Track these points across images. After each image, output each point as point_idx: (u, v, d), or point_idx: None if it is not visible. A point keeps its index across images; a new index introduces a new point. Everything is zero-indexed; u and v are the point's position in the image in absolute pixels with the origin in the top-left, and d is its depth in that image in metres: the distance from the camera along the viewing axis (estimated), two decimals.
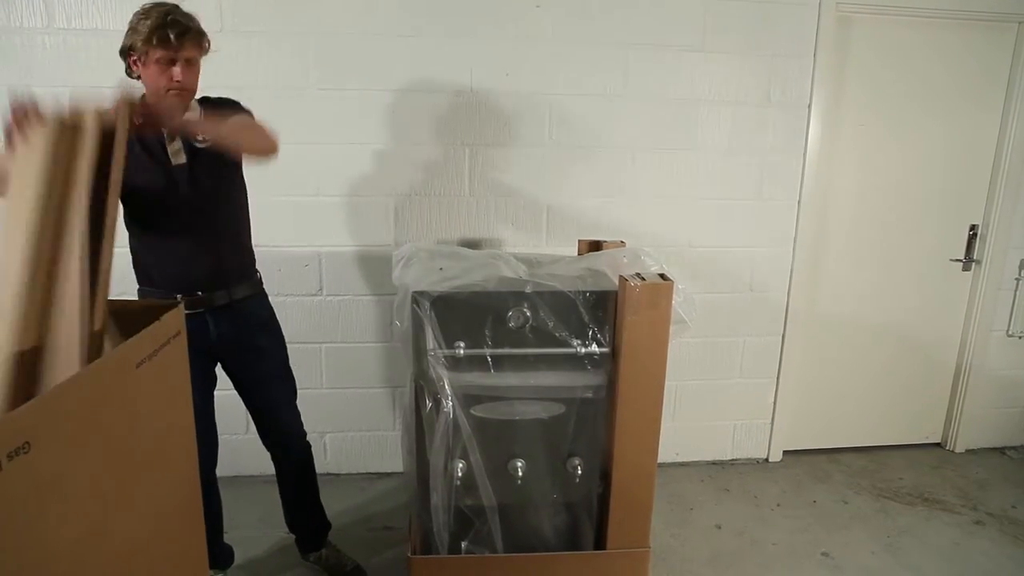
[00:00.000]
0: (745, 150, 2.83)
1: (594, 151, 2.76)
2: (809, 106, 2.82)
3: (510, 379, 1.81)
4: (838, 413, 3.24)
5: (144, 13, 1.65)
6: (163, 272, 1.84)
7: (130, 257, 1.87)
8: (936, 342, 3.24)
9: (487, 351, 1.79)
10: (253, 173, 2.70)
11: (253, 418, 2.11)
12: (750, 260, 2.94)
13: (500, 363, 1.80)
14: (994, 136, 3.03)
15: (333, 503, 2.44)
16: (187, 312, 1.77)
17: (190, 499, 1.42)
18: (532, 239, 2.80)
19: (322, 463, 2.88)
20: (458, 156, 2.68)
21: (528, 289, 1.78)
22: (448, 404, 1.76)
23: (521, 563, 1.91)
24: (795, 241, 2.94)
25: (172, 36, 1.63)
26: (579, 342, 1.80)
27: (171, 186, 1.77)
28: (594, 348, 1.81)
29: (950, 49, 2.91)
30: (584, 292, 1.78)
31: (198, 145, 1.80)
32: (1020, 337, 3.21)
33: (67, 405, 0.98)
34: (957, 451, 3.30)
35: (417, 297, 1.73)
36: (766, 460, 3.19)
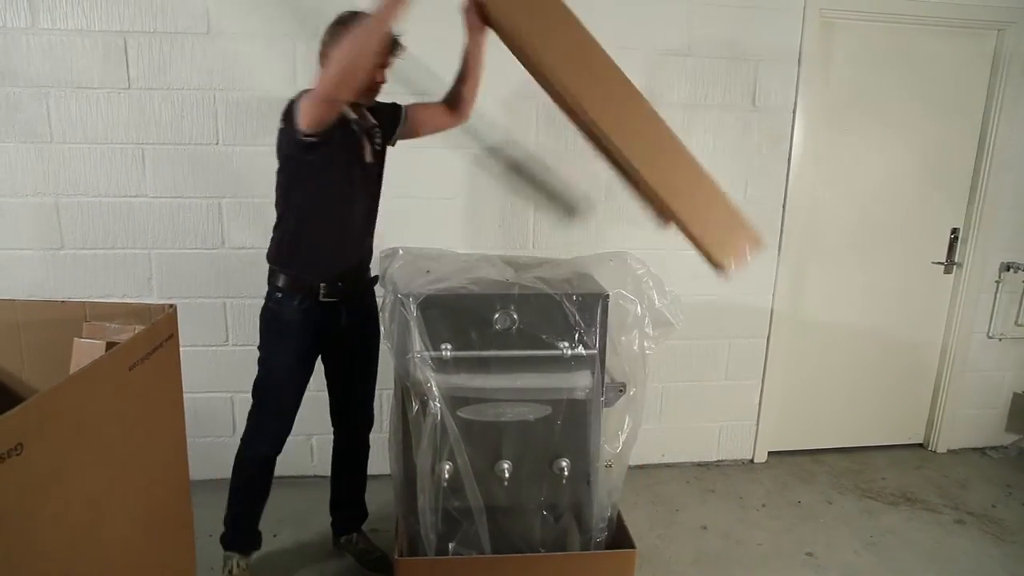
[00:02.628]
0: (730, 154, 2.86)
1: (579, 154, 2.76)
2: (793, 111, 2.85)
3: (497, 381, 1.81)
4: (822, 414, 3.28)
5: None
6: (323, 260, 1.99)
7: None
8: (918, 344, 3.28)
9: (474, 353, 1.79)
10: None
11: (339, 397, 2.26)
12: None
13: (487, 365, 1.80)
14: (975, 141, 3.08)
15: (320, 505, 2.44)
16: (327, 300, 1.95)
17: (180, 503, 1.41)
18: (519, 242, 2.81)
19: (309, 465, 2.87)
20: (444, 158, 2.68)
21: (515, 291, 1.79)
22: (435, 406, 1.75)
23: (508, 564, 1.91)
24: (780, 244, 2.97)
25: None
26: (566, 344, 1.81)
27: (359, 182, 2.01)
28: (580, 350, 1.82)
29: (932, 55, 2.95)
30: (571, 295, 1.79)
31: (378, 148, 2.06)
32: (1000, 339, 3.26)
33: (60, 407, 0.98)
34: (939, 451, 3.34)
35: (404, 299, 1.73)
36: (751, 461, 3.21)
